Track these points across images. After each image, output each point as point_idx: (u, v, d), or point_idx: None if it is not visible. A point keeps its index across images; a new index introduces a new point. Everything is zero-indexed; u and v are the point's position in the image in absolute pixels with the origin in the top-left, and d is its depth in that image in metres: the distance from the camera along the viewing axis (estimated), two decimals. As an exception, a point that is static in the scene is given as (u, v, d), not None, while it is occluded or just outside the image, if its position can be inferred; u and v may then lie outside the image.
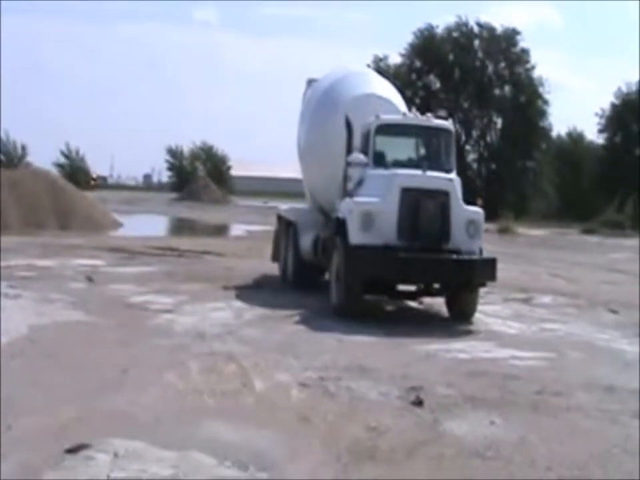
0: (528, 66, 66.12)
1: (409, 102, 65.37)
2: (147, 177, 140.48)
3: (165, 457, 6.00)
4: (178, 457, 5.99)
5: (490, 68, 67.07)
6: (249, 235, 34.27)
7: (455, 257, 12.51)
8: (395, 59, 67.02)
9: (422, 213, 12.56)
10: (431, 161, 13.74)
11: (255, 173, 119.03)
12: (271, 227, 39.64)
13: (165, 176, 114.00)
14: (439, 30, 67.05)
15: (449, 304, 13.48)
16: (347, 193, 13.54)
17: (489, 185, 60.34)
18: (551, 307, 15.36)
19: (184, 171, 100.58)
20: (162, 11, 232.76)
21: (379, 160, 13.84)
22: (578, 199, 61.66)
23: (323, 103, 16.27)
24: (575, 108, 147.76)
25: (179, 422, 6.93)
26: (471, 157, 66.49)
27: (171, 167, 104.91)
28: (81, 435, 6.30)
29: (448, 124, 14.66)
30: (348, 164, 13.70)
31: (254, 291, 15.81)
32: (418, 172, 12.99)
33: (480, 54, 67.04)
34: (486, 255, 13.09)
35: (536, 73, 65.61)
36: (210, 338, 10.66)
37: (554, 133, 67.07)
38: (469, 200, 13.29)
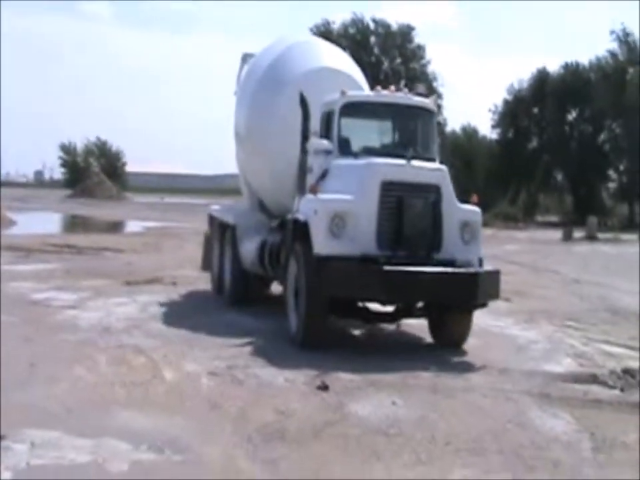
0: (423, 62, 67.53)
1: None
2: (38, 174, 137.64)
3: (81, 444, 6.16)
4: (94, 444, 6.17)
5: (386, 64, 68.16)
6: (147, 232, 34.12)
7: (453, 270, 9.91)
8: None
9: (408, 214, 9.98)
10: (408, 148, 10.93)
11: (149, 169, 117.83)
12: (169, 222, 40.13)
13: (57, 172, 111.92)
14: (335, 26, 67.80)
15: (434, 327, 10.96)
16: (303, 189, 11.03)
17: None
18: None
19: (77, 167, 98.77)
20: (53, 5, 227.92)
21: (346, 147, 11.22)
22: (472, 193, 63.16)
23: (266, 80, 13.33)
24: (470, 104, 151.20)
25: (92, 412, 7.08)
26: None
27: (64, 163, 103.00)
28: (-6, 428, 6.39)
29: (429, 102, 11.86)
30: (304, 152, 11.19)
31: (157, 285, 15.87)
32: (401, 162, 10.31)
33: (376, 50, 68.07)
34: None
35: (430, 69, 67.08)
36: (116, 332, 10.78)
37: (448, 129, 68.61)
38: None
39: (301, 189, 11.08)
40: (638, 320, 13.17)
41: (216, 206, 16.73)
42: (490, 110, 68.42)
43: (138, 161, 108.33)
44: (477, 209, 10.67)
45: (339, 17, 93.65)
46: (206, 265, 16.17)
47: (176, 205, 67.07)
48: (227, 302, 13.75)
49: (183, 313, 12.59)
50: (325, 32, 66.87)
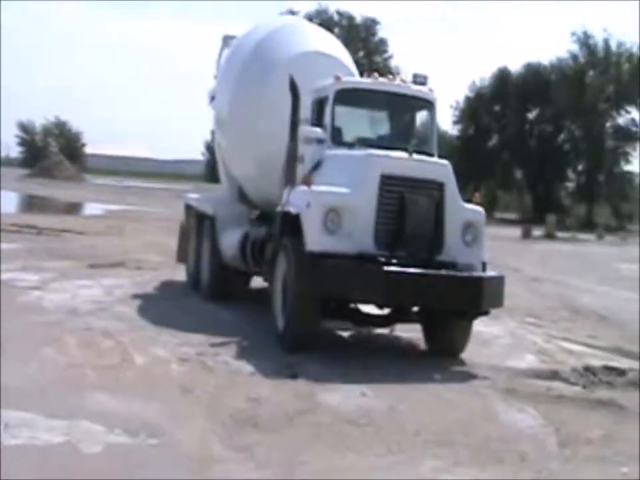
0: (386, 55, 67.78)
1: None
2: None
3: (55, 425, 6.18)
4: (68, 425, 6.20)
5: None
6: (108, 214, 33.89)
7: (457, 274, 9.33)
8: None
9: (409, 211, 9.30)
10: (406, 140, 10.37)
11: (108, 151, 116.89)
12: (129, 206, 39.87)
13: (14, 151, 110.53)
14: (300, 16, 67.67)
15: (430, 334, 10.28)
16: (292, 179, 10.19)
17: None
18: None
19: (35, 146, 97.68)
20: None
21: (339, 136, 10.64)
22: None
23: (251, 64, 12.57)
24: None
25: (64, 394, 7.10)
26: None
27: (22, 142, 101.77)
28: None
29: (430, 92, 11.11)
30: (294, 140, 10.35)
31: (121, 269, 15.81)
32: (402, 155, 9.68)
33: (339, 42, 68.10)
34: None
35: (393, 63, 67.39)
36: (83, 314, 10.75)
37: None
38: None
39: (289, 179, 10.25)
40: (597, 318, 13.45)
41: (193, 194, 15.90)
42: (451, 106, 68.98)
43: (96, 142, 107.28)
44: (480, 208, 10.01)
45: (304, 7, 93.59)
46: (181, 256, 15.31)
47: (135, 189, 66.55)
48: (204, 297, 12.98)
49: (149, 298, 12.60)
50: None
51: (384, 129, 11.44)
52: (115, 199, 44.84)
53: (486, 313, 9.86)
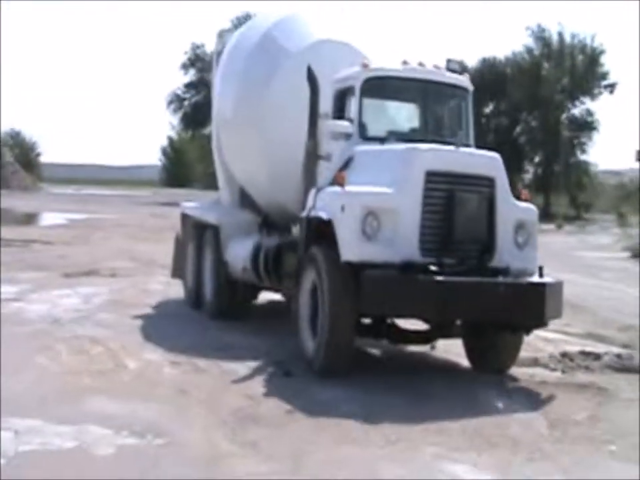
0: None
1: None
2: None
3: (64, 431, 6.32)
4: (76, 430, 6.34)
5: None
6: (72, 224, 33.71)
7: (519, 282, 8.38)
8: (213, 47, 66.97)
9: (458, 212, 8.26)
10: (441, 133, 9.81)
11: (64, 160, 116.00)
12: (91, 214, 39.67)
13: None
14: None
15: (475, 349, 9.27)
16: (312, 180, 9.30)
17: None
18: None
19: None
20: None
21: (368, 131, 9.48)
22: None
23: (258, 57, 11.40)
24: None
25: (65, 400, 7.23)
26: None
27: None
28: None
29: (466, 80, 10.03)
30: (313, 136, 9.41)
31: (96, 277, 15.90)
32: (449, 148, 8.70)
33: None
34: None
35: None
36: (67, 323, 10.88)
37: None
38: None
39: (310, 180, 9.32)
40: (569, 306, 13.79)
41: (189, 202, 14.56)
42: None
43: (52, 151, 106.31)
44: (532, 206, 9.05)
45: (261, 10, 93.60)
46: (177, 272, 13.86)
47: (94, 197, 66.06)
48: (209, 315, 11.86)
49: (129, 304, 12.70)
50: (238, 24, 67.02)
51: (416, 120, 10.12)
52: (76, 207, 44.48)
53: (545, 325, 8.71)
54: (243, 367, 8.67)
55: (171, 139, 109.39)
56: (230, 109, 11.88)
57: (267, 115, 10.91)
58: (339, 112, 9.57)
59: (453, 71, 9.90)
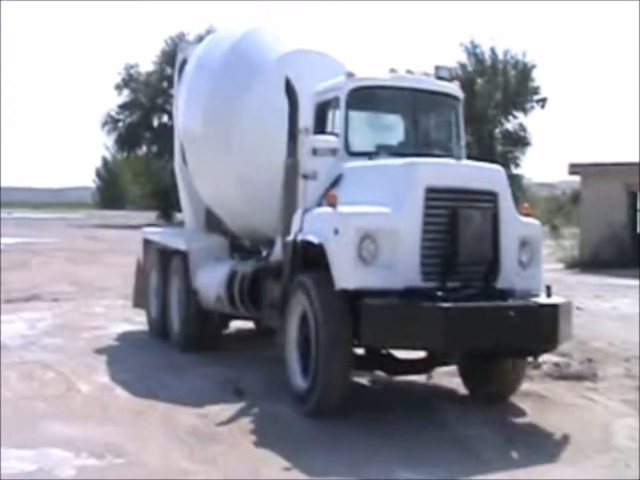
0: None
1: (162, 111, 65.49)
2: None
3: (24, 455, 6.43)
4: (36, 454, 6.46)
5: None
6: (8, 248, 33.25)
7: (532, 304, 7.71)
8: (147, 67, 66.91)
9: (462, 231, 7.61)
10: (431, 146, 9.21)
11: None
12: (26, 239, 39.17)
13: None
14: (190, 37, 67.75)
15: (474, 376, 8.67)
16: (293, 201, 8.75)
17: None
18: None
19: None
20: None
21: (355, 145, 8.79)
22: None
23: (228, 69, 10.59)
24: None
25: (21, 425, 7.30)
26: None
27: None
28: None
29: (456, 88, 9.47)
30: (293, 154, 8.91)
31: (38, 302, 15.84)
32: (449, 161, 8.33)
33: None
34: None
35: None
36: (15, 349, 10.88)
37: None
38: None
39: (290, 201, 8.77)
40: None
41: (151, 227, 13.86)
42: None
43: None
44: (536, 221, 8.50)
45: (195, 30, 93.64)
46: (140, 301, 12.95)
47: (27, 220, 65.17)
48: (177, 347, 11.04)
49: (74, 327, 12.72)
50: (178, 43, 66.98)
51: (404, 132, 9.40)
52: (10, 231, 43.87)
53: (554, 349, 8.20)
54: (193, 386, 8.82)
55: (105, 160, 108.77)
56: (198, 125, 10.98)
57: (239, 132, 10.23)
58: (321, 126, 8.94)
59: (443, 79, 9.30)
